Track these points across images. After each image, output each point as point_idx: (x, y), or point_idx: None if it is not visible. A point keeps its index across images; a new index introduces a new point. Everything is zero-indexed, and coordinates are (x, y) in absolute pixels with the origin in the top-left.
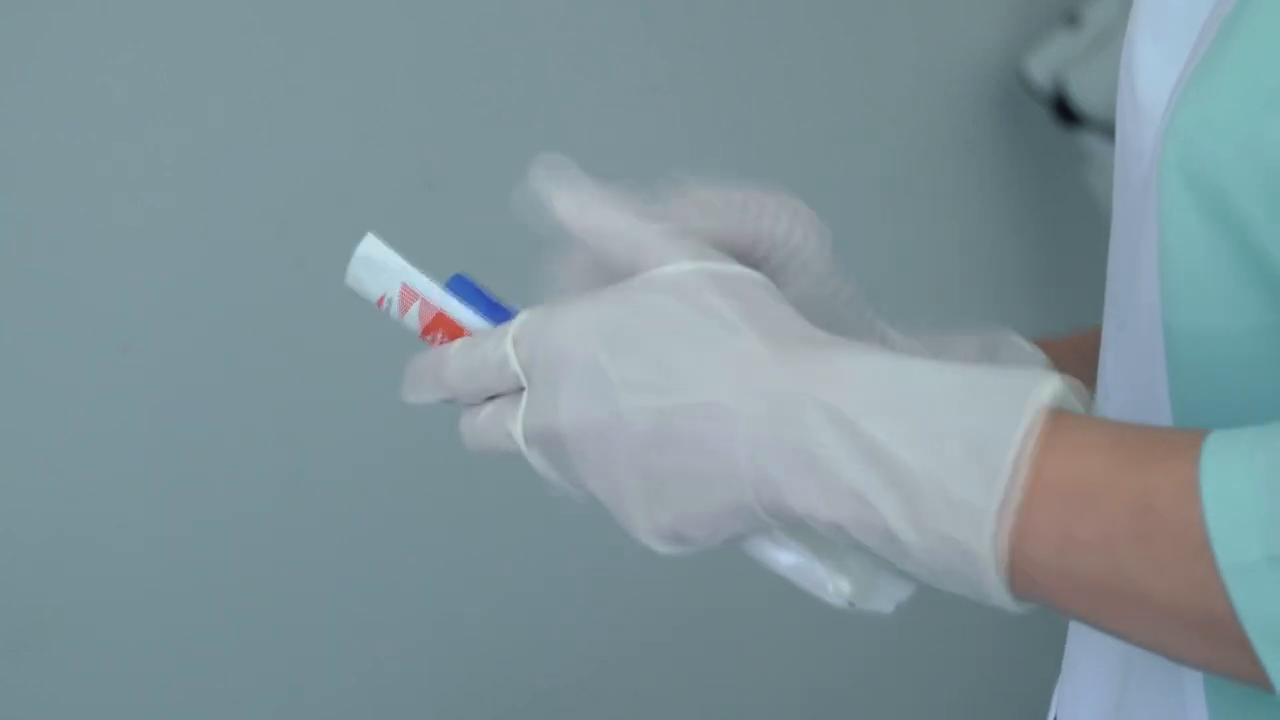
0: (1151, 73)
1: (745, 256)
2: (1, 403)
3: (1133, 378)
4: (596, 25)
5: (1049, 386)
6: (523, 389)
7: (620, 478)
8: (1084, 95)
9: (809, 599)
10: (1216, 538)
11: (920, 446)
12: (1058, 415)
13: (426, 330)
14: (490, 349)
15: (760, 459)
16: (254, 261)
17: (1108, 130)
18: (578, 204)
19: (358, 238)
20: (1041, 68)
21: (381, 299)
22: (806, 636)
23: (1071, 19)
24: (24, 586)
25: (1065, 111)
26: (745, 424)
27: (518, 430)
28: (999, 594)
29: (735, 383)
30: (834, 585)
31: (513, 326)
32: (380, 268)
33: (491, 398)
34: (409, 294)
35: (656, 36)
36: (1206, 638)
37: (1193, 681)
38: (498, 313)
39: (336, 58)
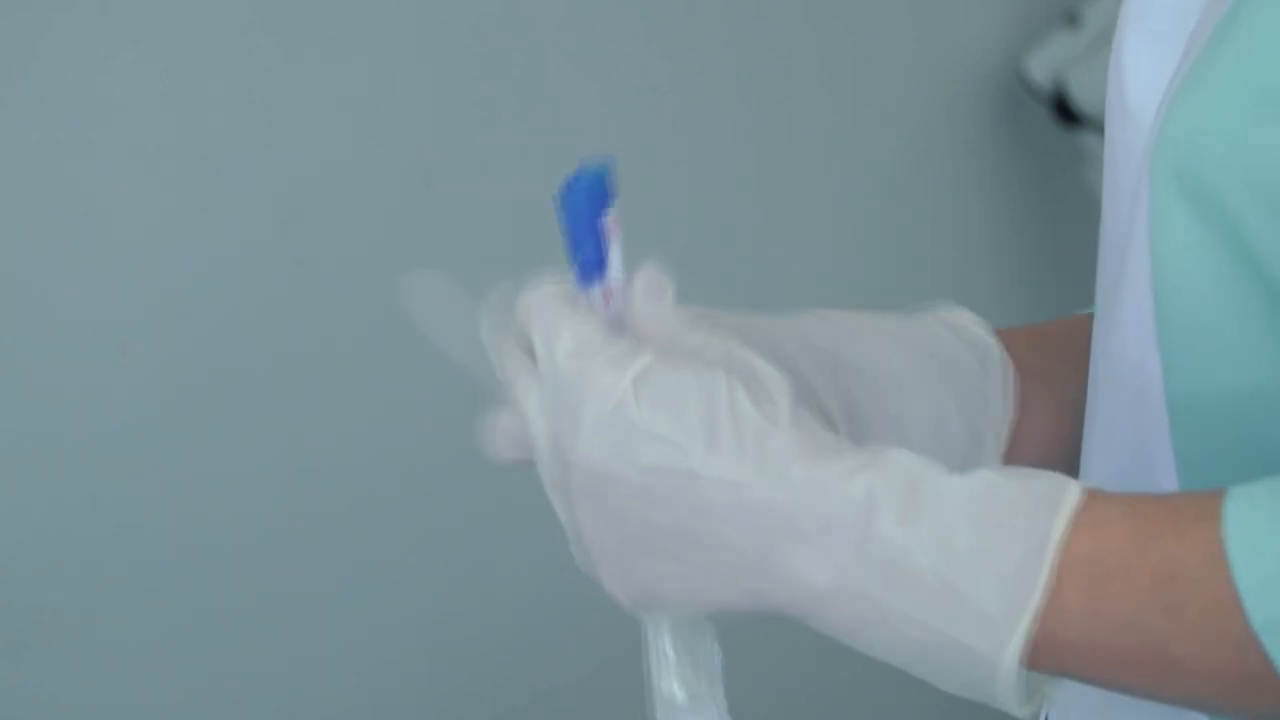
0: (1140, 74)
1: None
2: (1, 403)
3: (1124, 377)
4: (596, 25)
5: (1071, 496)
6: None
7: (614, 524)
8: (1084, 95)
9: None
10: (1247, 596)
11: (940, 555)
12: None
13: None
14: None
15: (773, 544)
16: (253, 261)
17: None
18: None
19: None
20: (1041, 68)
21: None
22: (804, 635)
23: (1071, 19)
24: (24, 586)
25: (1065, 111)
26: (763, 509)
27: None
28: (1010, 703)
29: (764, 469)
30: (672, 689)
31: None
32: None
33: None
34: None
35: (656, 36)
36: (1249, 693)
37: None
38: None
39: (336, 58)
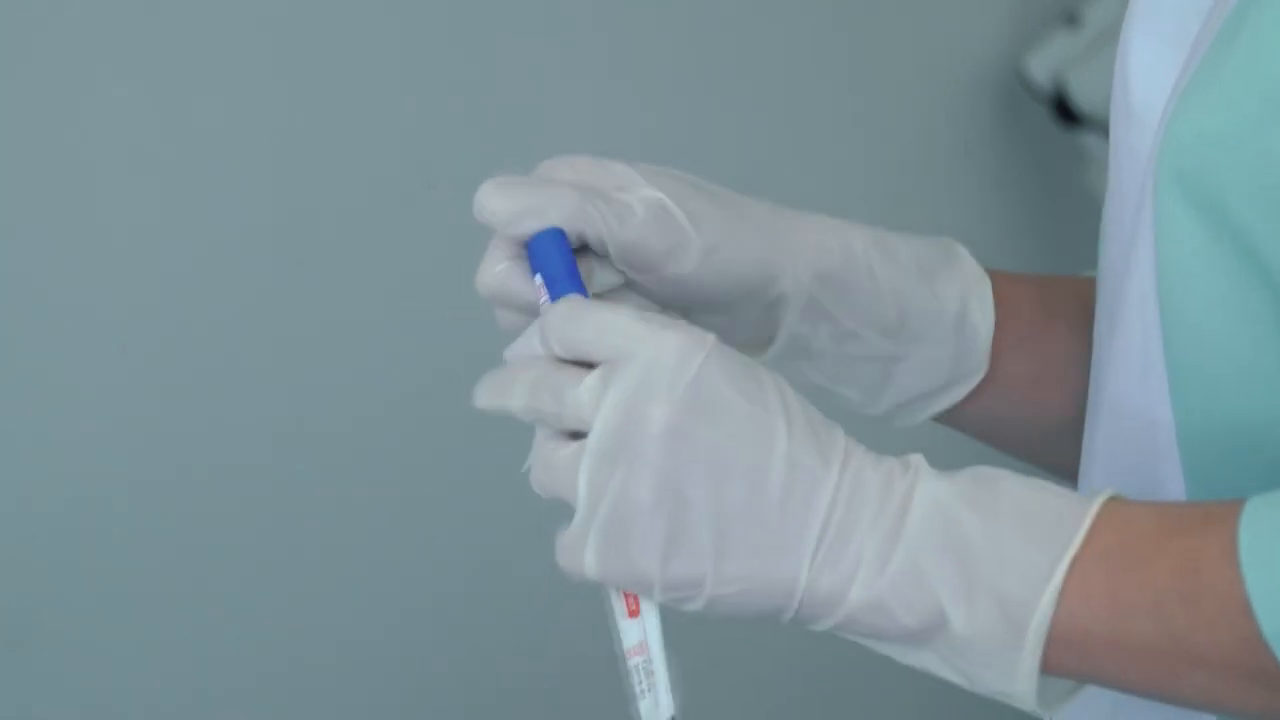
0: (1146, 76)
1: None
2: (1, 402)
3: (1128, 385)
4: (596, 27)
5: (1094, 508)
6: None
7: (674, 494)
8: (1084, 95)
9: None
10: (1258, 604)
11: (966, 569)
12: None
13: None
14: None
15: (830, 530)
16: (253, 261)
17: (1108, 130)
18: None
19: (358, 237)
20: (1041, 68)
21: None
22: (803, 634)
23: (1071, 19)
24: (24, 586)
25: (1065, 111)
26: (830, 495)
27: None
28: (1028, 699)
29: (831, 459)
30: (652, 698)
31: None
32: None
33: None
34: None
35: (655, 38)
36: (1266, 687)
37: None
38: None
39: (336, 57)
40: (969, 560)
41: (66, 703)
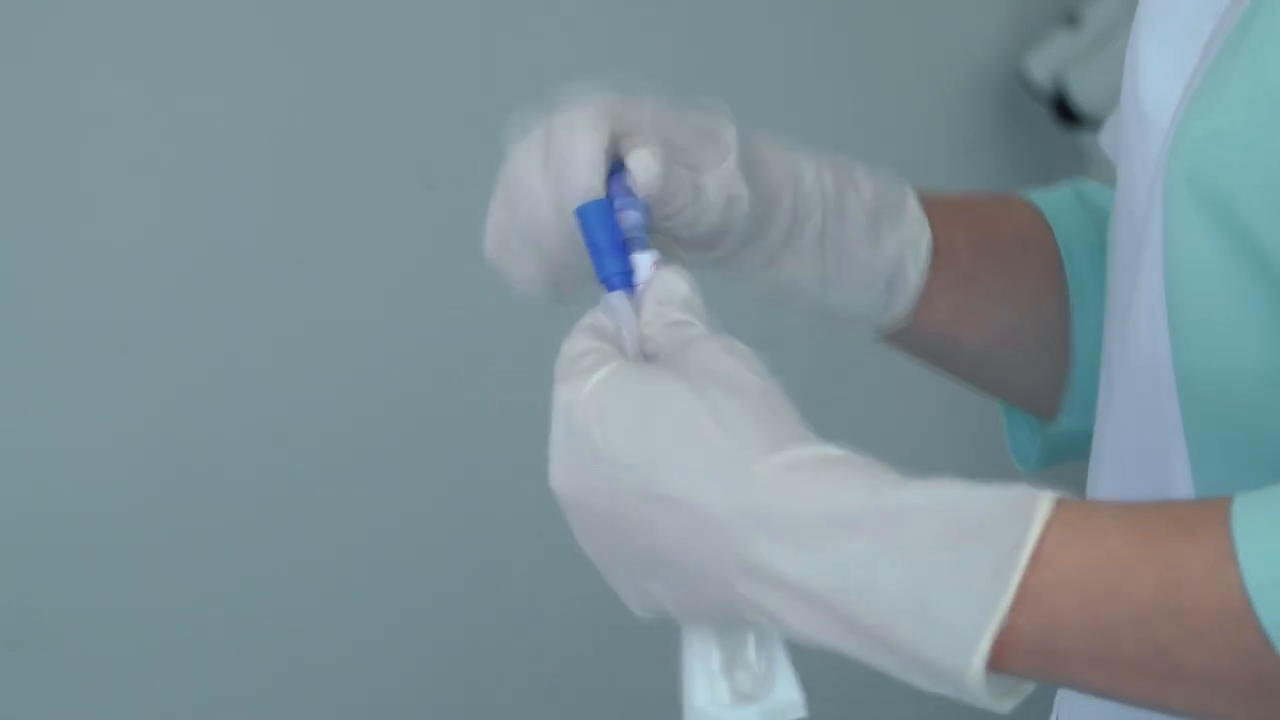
0: (1156, 78)
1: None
2: (1, 402)
3: (1138, 383)
4: (595, 26)
5: (1041, 513)
6: None
7: (601, 547)
8: (1084, 95)
9: None
10: (1258, 600)
11: (904, 573)
12: (1061, 507)
13: None
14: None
15: (729, 561)
16: (253, 262)
17: None
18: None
19: (358, 237)
20: (1041, 68)
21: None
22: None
23: (1071, 19)
24: (24, 586)
25: (1065, 111)
26: (715, 527)
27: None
28: (981, 703)
29: (719, 488)
30: (712, 693)
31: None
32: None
33: None
34: None
35: (654, 37)
36: (1256, 699)
37: None
38: (610, 259)
39: (336, 57)
40: (889, 622)
41: (66, 703)
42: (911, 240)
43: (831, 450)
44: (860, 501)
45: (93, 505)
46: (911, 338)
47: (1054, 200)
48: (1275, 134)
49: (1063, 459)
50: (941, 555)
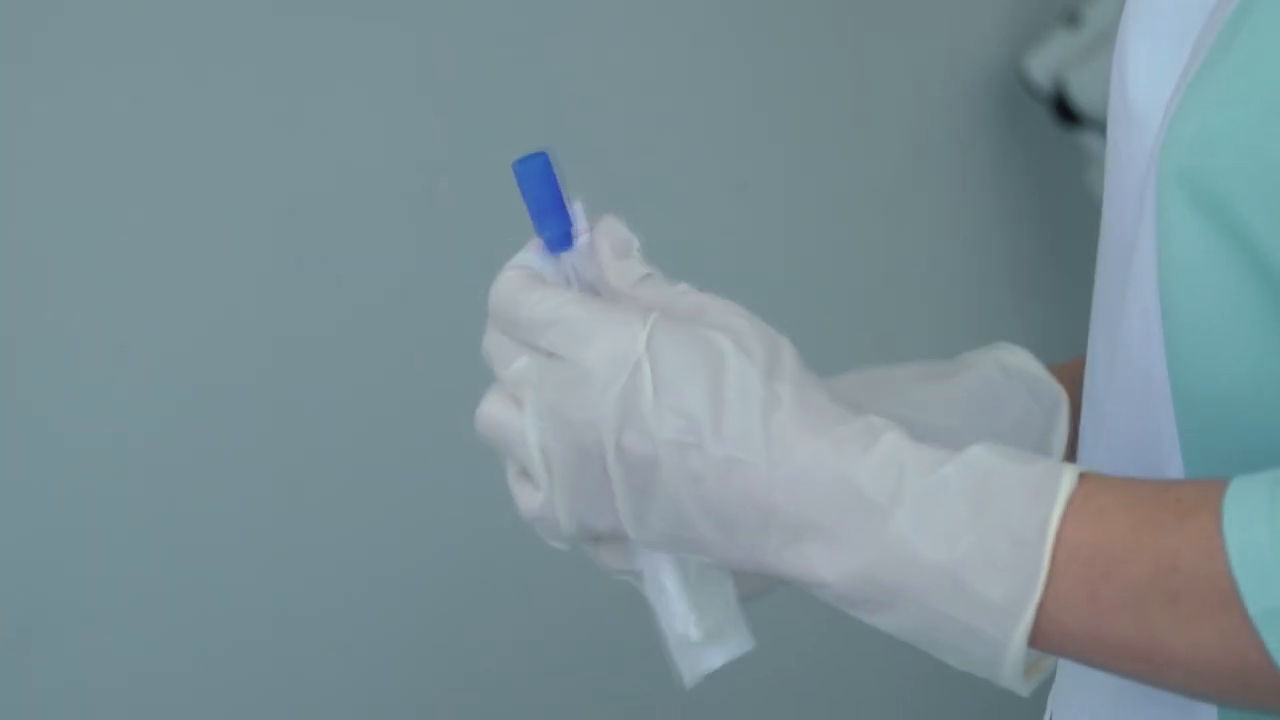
0: (1145, 76)
1: None
2: (1, 402)
3: (1130, 386)
4: (595, 27)
5: (1066, 485)
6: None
7: (630, 487)
8: (1084, 95)
9: (806, 597)
10: (1244, 586)
11: (942, 546)
12: (1081, 480)
13: None
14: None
15: (775, 527)
16: (253, 261)
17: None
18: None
19: (358, 238)
20: (1041, 68)
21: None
22: (801, 632)
23: (1071, 19)
24: (24, 586)
25: (1065, 111)
26: (765, 492)
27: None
28: (1015, 683)
29: (769, 448)
30: (686, 627)
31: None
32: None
33: None
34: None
35: (654, 37)
36: (1244, 685)
37: None
38: (550, 218)
39: (337, 58)
40: (929, 590)
41: (66, 703)
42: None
43: (875, 421)
44: (895, 477)
45: (91, 505)
46: None
47: None
48: (1269, 132)
49: None
50: (974, 536)
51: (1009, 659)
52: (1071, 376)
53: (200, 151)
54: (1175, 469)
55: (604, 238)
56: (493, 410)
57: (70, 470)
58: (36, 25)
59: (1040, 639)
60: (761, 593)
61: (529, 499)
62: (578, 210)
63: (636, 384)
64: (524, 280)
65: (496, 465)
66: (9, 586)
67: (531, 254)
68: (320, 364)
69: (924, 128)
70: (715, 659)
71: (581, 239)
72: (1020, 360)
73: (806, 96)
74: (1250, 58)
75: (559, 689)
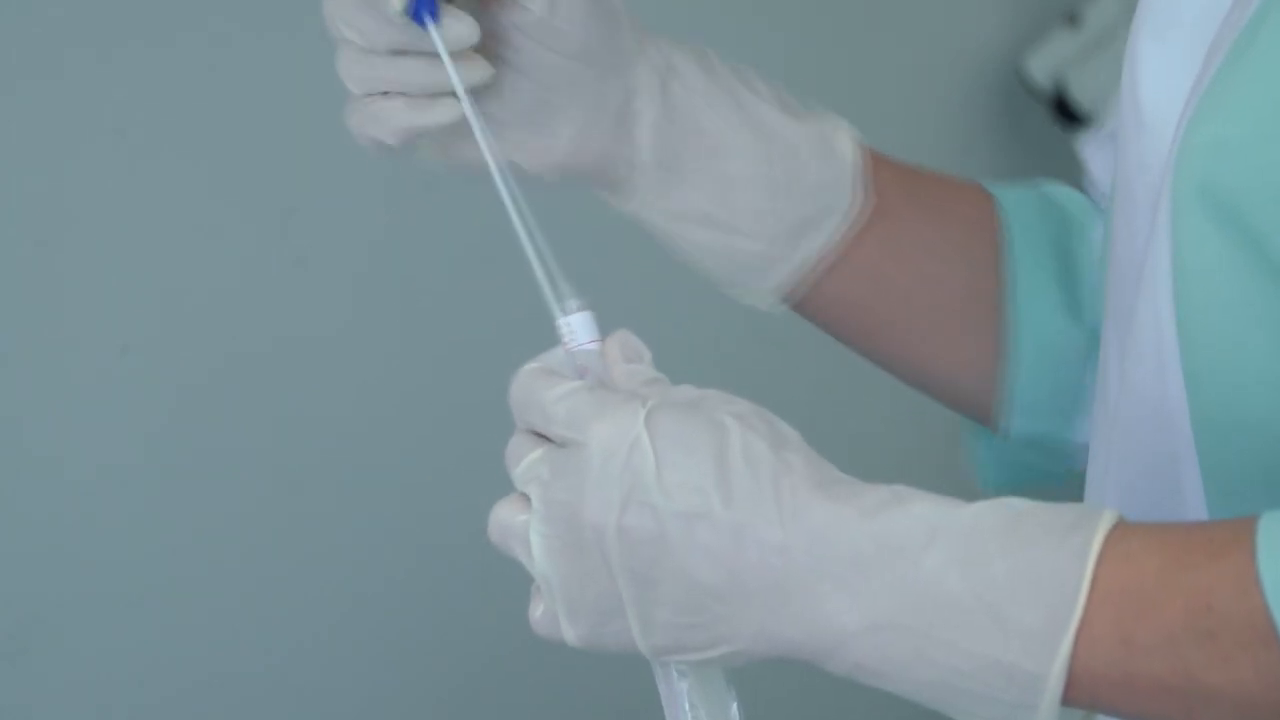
0: (1157, 84)
1: None
2: (1, 402)
3: (1143, 398)
4: None
5: (1105, 521)
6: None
7: (632, 573)
8: (1084, 95)
9: None
10: None
11: (976, 578)
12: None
13: None
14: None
15: (793, 585)
16: (254, 262)
17: None
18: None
19: (358, 237)
20: (1041, 68)
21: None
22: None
23: (1071, 19)
24: (24, 586)
25: (1065, 111)
26: (781, 552)
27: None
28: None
29: (781, 510)
30: None
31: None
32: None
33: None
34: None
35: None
36: None
37: None
38: None
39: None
40: (966, 627)
41: (66, 704)
42: (838, 154)
43: (901, 489)
44: (928, 529)
45: (92, 506)
46: (841, 286)
47: (1011, 191)
48: None
49: (1025, 480)
50: (1009, 566)
51: (1046, 696)
52: (902, 182)
53: (200, 151)
54: (1193, 484)
55: (616, 345)
56: (501, 515)
57: (70, 470)
58: (37, 25)
59: (1073, 688)
60: None
61: (533, 608)
62: (587, 319)
63: (636, 459)
64: (538, 374)
65: (497, 465)
66: (9, 587)
67: (548, 357)
68: (320, 364)
69: (924, 128)
70: None
71: (592, 345)
72: (842, 136)
73: (805, 96)
74: (1267, 65)
75: (559, 689)
